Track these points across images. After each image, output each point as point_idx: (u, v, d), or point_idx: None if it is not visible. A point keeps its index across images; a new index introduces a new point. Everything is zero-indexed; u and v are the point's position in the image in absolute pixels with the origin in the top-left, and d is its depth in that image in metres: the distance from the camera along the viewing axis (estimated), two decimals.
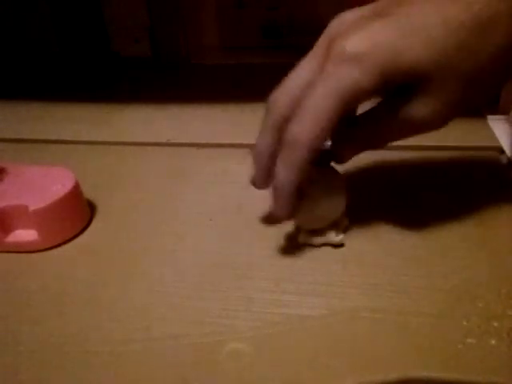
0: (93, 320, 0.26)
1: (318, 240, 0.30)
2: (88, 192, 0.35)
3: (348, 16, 0.26)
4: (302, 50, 0.27)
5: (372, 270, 0.28)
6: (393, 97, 0.26)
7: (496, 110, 0.43)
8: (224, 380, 0.23)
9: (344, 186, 0.29)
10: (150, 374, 0.23)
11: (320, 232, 0.30)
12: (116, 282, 0.29)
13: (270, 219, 0.32)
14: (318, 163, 0.27)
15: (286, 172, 0.26)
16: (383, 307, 0.26)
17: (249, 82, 0.53)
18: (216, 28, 0.59)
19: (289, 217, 0.28)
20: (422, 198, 0.34)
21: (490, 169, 0.37)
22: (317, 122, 0.24)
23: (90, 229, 0.34)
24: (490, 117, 0.43)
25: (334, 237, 0.29)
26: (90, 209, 0.35)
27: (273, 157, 0.27)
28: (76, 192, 0.33)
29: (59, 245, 0.32)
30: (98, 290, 0.28)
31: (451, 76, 0.24)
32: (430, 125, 0.26)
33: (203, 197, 0.36)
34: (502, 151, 0.39)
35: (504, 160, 0.38)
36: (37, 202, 0.31)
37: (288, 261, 0.29)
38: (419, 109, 0.25)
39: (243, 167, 0.39)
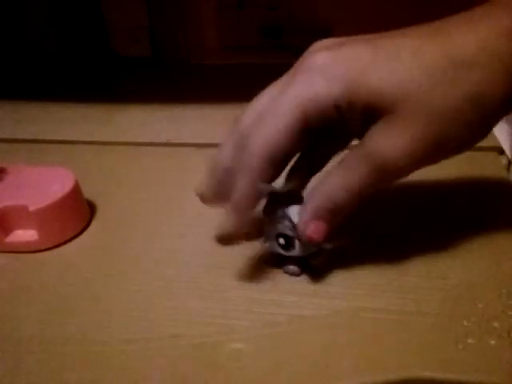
0: (93, 320, 0.26)
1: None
2: (88, 192, 0.35)
3: (328, 41, 0.26)
4: (301, 50, 0.26)
5: (372, 269, 0.28)
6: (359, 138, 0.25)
7: None
8: (224, 380, 0.23)
9: None
10: (150, 374, 0.23)
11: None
12: (116, 282, 0.29)
13: (222, 232, 0.31)
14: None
15: (243, 184, 0.25)
16: (383, 307, 0.26)
17: (249, 81, 0.53)
18: (216, 28, 0.59)
19: (240, 231, 0.28)
20: (421, 199, 0.34)
21: (490, 169, 0.37)
22: (275, 128, 0.24)
23: (89, 229, 0.33)
24: None
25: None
26: (90, 209, 0.35)
27: (229, 173, 0.26)
28: (76, 192, 0.33)
29: (59, 245, 0.32)
30: (97, 290, 0.28)
31: (419, 110, 0.23)
32: (398, 164, 0.23)
33: None
34: (502, 151, 0.39)
35: (504, 160, 0.38)
36: (37, 202, 0.31)
37: None
38: (385, 143, 0.23)
39: None
